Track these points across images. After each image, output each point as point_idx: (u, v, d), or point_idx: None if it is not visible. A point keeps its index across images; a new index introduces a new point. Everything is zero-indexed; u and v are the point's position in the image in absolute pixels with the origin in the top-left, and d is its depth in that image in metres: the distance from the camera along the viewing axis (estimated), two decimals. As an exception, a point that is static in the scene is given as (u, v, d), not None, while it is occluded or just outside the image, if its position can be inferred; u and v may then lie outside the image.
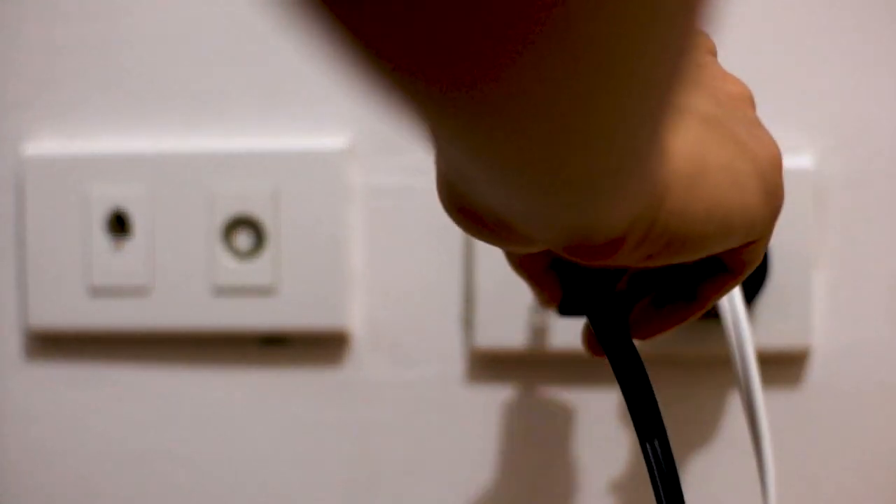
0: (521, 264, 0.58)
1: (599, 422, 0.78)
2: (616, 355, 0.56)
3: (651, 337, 0.59)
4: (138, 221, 0.79)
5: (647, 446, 0.55)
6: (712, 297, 0.56)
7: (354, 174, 0.79)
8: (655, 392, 0.73)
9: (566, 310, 0.58)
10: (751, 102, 0.53)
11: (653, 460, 0.55)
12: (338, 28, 0.26)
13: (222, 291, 0.79)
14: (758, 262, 0.55)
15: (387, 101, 0.30)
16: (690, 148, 0.47)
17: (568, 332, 0.76)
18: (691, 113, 0.48)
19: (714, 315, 0.70)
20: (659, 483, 0.55)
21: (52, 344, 0.82)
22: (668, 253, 0.48)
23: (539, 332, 0.77)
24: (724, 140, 0.49)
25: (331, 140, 0.78)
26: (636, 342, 0.58)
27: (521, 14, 0.26)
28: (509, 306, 0.77)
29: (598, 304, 0.56)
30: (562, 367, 0.78)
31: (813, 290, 0.76)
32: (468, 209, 0.44)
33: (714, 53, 0.55)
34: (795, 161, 0.76)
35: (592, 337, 0.58)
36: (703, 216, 0.47)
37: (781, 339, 0.75)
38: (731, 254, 0.54)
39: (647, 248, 0.47)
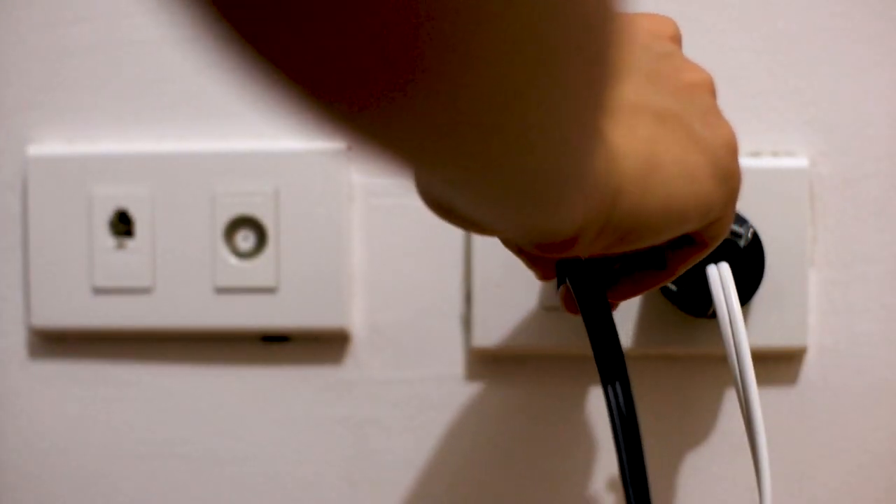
0: (513, 245, 0.60)
1: (599, 422, 0.78)
2: (588, 310, 0.59)
3: (625, 299, 0.62)
4: (141, 221, 0.80)
5: (609, 389, 0.58)
6: (680, 267, 0.59)
7: (354, 174, 0.79)
8: (653, 389, 0.74)
9: (559, 277, 0.62)
10: (709, 89, 0.55)
11: (613, 403, 0.57)
12: (273, 72, 0.29)
13: (224, 290, 0.79)
14: (724, 236, 0.58)
15: (310, 118, 0.32)
16: (642, 147, 0.49)
17: (568, 333, 0.76)
18: (645, 108, 0.50)
19: (710, 314, 0.70)
20: (618, 424, 0.57)
21: (55, 342, 0.82)
22: (624, 244, 0.51)
23: (539, 332, 0.77)
24: (678, 134, 0.51)
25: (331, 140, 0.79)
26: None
27: (401, 52, 0.29)
28: (509, 306, 0.77)
29: (578, 268, 0.59)
30: (562, 367, 0.78)
31: (808, 289, 0.76)
32: (442, 206, 0.47)
33: (677, 40, 0.56)
34: (790, 161, 0.76)
35: (569, 297, 0.61)
36: (656, 211, 0.50)
37: (777, 337, 0.75)
38: (694, 232, 0.56)
39: (604, 242, 0.50)
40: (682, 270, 0.60)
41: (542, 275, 0.61)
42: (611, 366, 0.58)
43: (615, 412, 0.58)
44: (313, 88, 0.30)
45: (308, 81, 0.30)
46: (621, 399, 0.58)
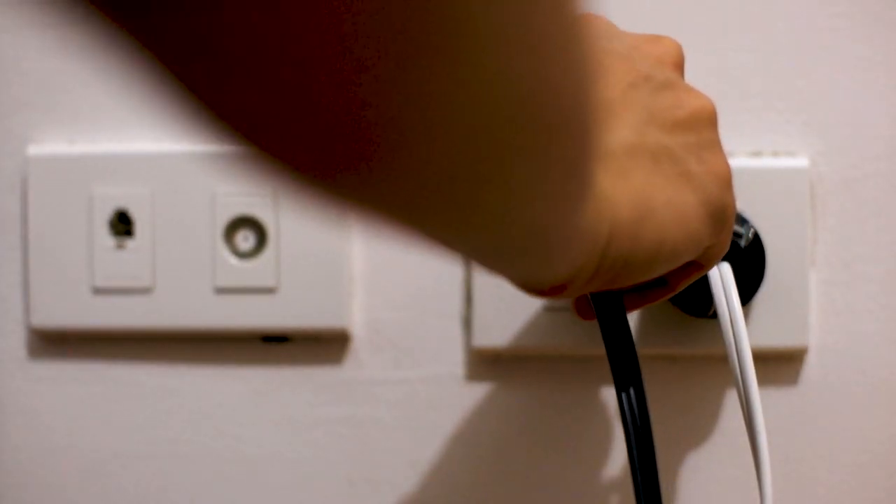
0: None
1: (599, 422, 0.78)
2: (606, 316, 0.60)
3: (631, 311, 0.64)
4: (141, 221, 0.80)
5: (623, 396, 0.58)
6: (681, 283, 0.61)
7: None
8: (654, 389, 0.74)
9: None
10: (709, 120, 0.55)
11: (626, 410, 0.58)
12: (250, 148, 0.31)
13: (224, 291, 0.79)
14: (720, 257, 0.59)
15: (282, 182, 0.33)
16: (636, 194, 0.50)
17: (568, 333, 0.76)
18: (642, 149, 0.51)
19: (712, 314, 0.70)
20: (631, 431, 0.57)
21: (55, 342, 0.82)
22: (616, 284, 0.52)
23: (539, 332, 0.77)
24: (671, 175, 0.52)
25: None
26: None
27: (352, 131, 0.30)
28: (509, 306, 0.77)
29: None
30: (562, 368, 0.78)
31: (809, 290, 0.76)
32: None
33: (680, 66, 0.57)
34: (791, 161, 0.76)
35: (582, 302, 0.63)
36: (647, 254, 0.51)
37: (778, 337, 0.76)
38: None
39: (597, 284, 0.51)
40: (683, 286, 0.61)
41: (578, 312, 0.65)
42: (626, 372, 0.59)
43: (628, 418, 0.58)
44: (282, 155, 0.31)
45: (276, 152, 0.31)
46: (636, 407, 0.58)
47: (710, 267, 0.60)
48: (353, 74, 0.28)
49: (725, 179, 0.55)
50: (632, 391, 0.59)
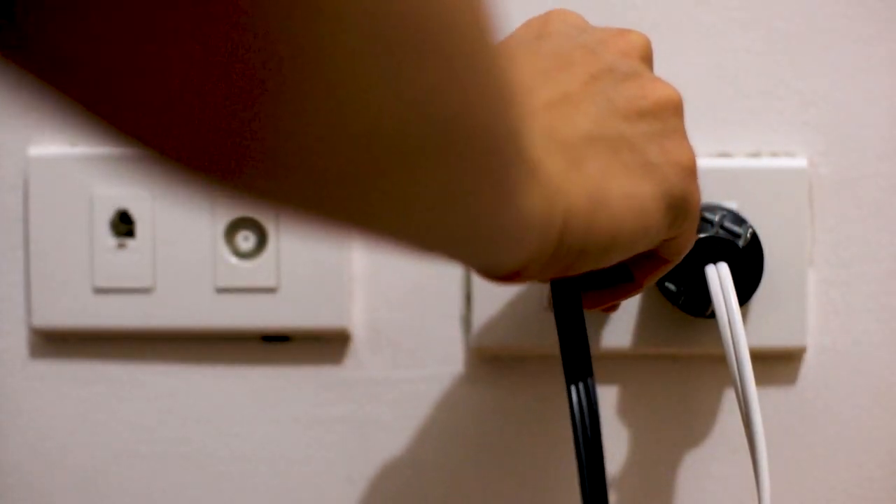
0: None
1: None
2: (561, 315, 0.60)
3: (596, 307, 0.64)
4: (142, 221, 0.80)
5: (572, 388, 0.59)
6: (646, 279, 0.61)
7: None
8: (652, 388, 0.74)
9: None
10: (674, 108, 0.55)
11: (575, 403, 0.58)
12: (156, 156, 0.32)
13: (224, 290, 0.79)
14: (685, 251, 0.59)
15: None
16: (590, 182, 0.50)
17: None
18: (600, 139, 0.51)
19: (709, 314, 0.70)
20: (578, 426, 0.58)
21: (56, 342, 0.82)
22: (571, 271, 0.52)
23: (539, 332, 0.77)
24: (630, 165, 0.52)
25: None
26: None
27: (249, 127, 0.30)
28: (509, 306, 0.77)
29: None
30: (561, 367, 0.78)
31: (807, 289, 0.76)
32: None
33: (647, 58, 0.56)
34: (790, 161, 0.76)
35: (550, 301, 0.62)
36: (603, 242, 0.51)
37: (776, 337, 0.76)
38: (653, 249, 0.57)
39: (550, 271, 0.51)
40: (650, 282, 0.62)
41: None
42: (577, 365, 0.60)
43: (577, 414, 0.59)
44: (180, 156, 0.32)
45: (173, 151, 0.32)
46: (584, 400, 0.59)
47: (677, 261, 0.60)
48: (235, 96, 0.29)
49: (688, 169, 0.55)
50: (581, 385, 0.59)
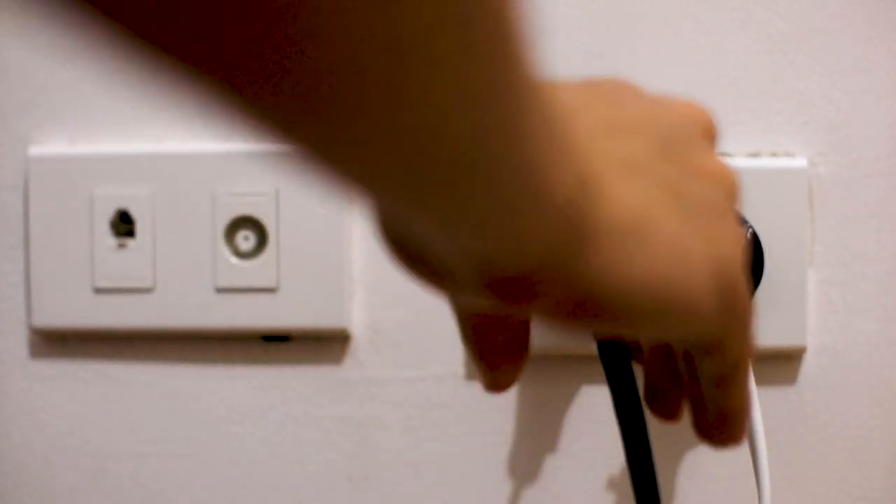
0: (469, 331, 0.51)
1: (599, 421, 0.78)
2: (618, 395, 0.60)
3: (669, 415, 0.56)
4: (142, 221, 0.80)
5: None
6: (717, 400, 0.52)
7: (355, 175, 0.79)
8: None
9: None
10: (730, 187, 0.47)
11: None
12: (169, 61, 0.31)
13: (224, 290, 0.79)
14: (743, 363, 0.48)
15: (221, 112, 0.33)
16: (636, 202, 0.41)
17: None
18: (651, 173, 0.43)
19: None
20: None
21: (56, 342, 0.82)
22: (588, 313, 0.42)
23: (539, 332, 0.77)
24: (687, 213, 0.44)
25: (332, 141, 0.79)
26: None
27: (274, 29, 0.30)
28: (509, 306, 0.77)
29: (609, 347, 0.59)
30: (561, 367, 0.78)
31: (807, 289, 0.76)
32: (403, 246, 0.43)
33: (712, 138, 0.49)
34: (790, 161, 0.76)
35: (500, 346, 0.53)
36: (635, 284, 0.41)
37: (776, 337, 0.76)
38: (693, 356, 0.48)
39: (569, 305, 0.41)
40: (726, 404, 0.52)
41: (490, 367, 0.50)
42: (647, 490, 0.58)
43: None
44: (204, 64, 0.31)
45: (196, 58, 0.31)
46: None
47: (737, 381, 0.49)
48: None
49: (738, 261, 0.45)
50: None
